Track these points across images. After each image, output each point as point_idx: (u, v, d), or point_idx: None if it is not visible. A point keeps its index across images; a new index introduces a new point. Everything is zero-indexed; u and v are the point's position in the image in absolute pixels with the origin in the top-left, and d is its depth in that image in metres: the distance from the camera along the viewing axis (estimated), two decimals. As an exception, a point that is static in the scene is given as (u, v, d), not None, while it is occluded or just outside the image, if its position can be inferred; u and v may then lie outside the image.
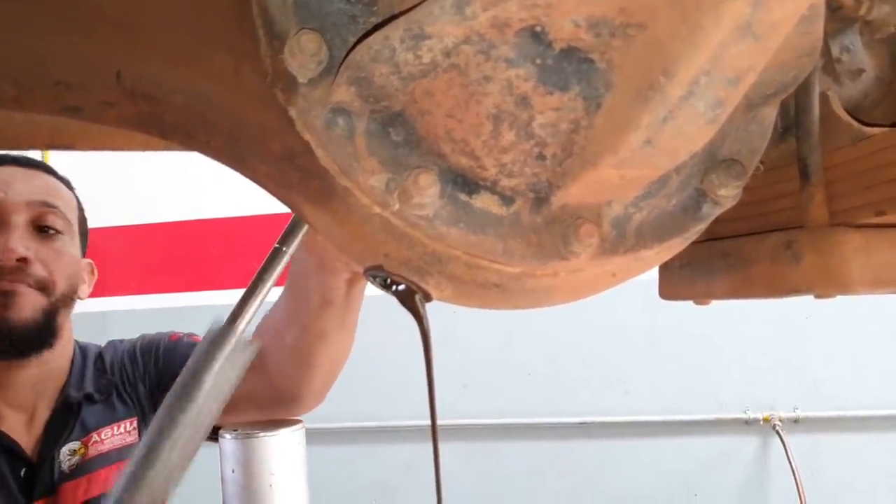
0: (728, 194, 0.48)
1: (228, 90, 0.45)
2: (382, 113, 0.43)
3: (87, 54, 0.44)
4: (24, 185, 1.24)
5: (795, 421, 3.02)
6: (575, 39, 0.37)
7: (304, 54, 0.41)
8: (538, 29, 0.36)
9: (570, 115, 0.39)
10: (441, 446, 0.51)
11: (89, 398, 1.31)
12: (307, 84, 0.42)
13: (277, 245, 0.71)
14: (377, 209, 0.44)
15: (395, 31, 0.37)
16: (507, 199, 0.45)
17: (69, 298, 1.29)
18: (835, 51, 0.60)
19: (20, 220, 1.21)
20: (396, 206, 0.43)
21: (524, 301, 0.50)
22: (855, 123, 0.56)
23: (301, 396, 1.20)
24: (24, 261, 1.19)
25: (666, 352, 3.08)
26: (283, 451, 0.84)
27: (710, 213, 0.49)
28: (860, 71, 0.61)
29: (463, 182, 0.44)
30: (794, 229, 0.55)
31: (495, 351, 3.15)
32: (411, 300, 0.49)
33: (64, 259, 1.27)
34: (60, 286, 1.25)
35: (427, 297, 0.49)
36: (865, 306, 2.77)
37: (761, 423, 3.04)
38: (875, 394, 2.96)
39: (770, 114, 0.50)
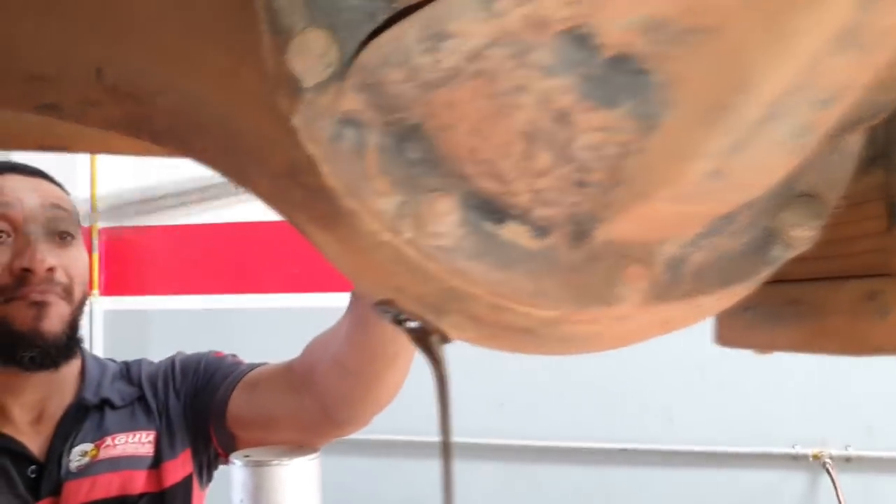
0: (803, 236, 0.41)
1: (224, 92, 0.39)
2: (397, 126, 0.37)
3: (64, 44, 0.39)
4: (35, 193, 1.24)
5: (847, 460, 2.93)
6: (627, 45, 0.30)
7: (310, 55, 0.35)
8: (583, 31, 0.30)
9: (619, 137, 0.33)
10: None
11: (108, 403, 1.31)
12: (313, 89, 0.36)
13: None
14: (387, 236, 0.38)
15: (409, 29, 0.31)
16: (540, 231, 0.38)
17: (83, 304, 1.30)
18: (931, 71, 0.53)
19: (38, 228, 1.22)
20: (409, 234, 0.37)
21: (559, 348, 0.44)
22: (954, 156, 0.49)
23: (354, 419, 1.20)
24: (52, 270, 1.20)
25: (713, 380, 3.02)
26: (295, 481, 0.79)
27: (781, 256, 0.42)
28: (959, 95, 0.53)
29: (488, 209, 0.38)
30: (877, 277, 0.48)
31: (534, 370, 3.09)
32: (426, 341, 0.43)
33: (80, 264, 1.28)
34: (78, 293, 1.27)
35: (445, 339, 0.43)
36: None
37: (811, 459, 2.95)
38: (933, 436, 2.84)
39: (856, 141, 0.44)
